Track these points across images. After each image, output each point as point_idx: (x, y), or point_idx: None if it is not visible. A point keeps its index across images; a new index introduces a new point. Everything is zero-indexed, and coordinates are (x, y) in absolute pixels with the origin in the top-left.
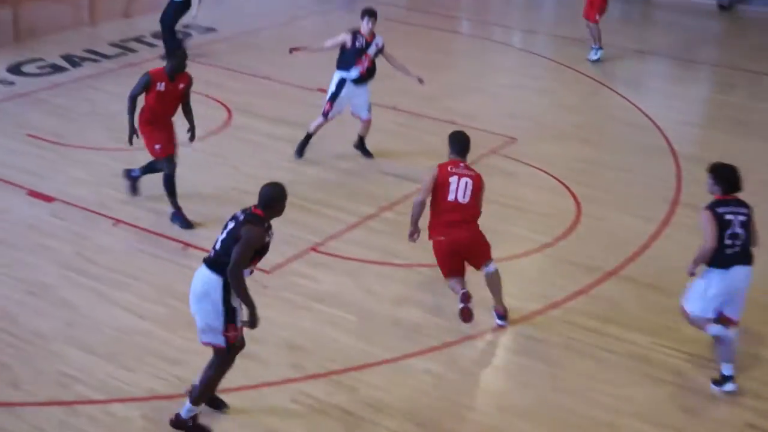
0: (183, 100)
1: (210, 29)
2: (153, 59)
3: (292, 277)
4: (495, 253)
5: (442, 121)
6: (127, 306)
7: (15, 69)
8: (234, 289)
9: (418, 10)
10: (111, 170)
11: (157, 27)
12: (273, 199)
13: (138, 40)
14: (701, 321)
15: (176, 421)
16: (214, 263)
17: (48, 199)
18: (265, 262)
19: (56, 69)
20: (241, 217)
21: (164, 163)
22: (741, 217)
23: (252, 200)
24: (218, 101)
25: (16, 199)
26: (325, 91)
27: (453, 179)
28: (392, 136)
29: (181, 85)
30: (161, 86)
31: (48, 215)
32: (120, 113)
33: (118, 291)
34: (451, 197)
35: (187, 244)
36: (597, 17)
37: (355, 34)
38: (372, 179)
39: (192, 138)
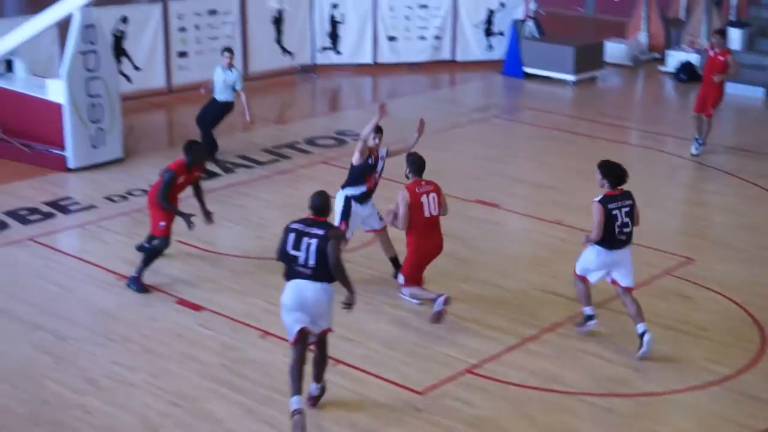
0: (195, 184)
1: None
2: (307, 165)
3: (445, 401)
4: (669, 383)
5: None
6: (273, 423)
7: None
8: (344, 277)
9: (584, 119)
10: (259, 280)
11: (309, 133)
12: (327, 204)
13: (291, 146)
14: (580, 283)
15: None
16: (319, 276)
17: (196, 307)
18: (418, 382)
19: (209, 175)
20: (321, 232)
21: (161, 240)
22: (625, 209)
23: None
24: None
25: (164, 307)
26: (483, 202)
27: (423, 198)
28: (556, 253)
29: (196, 173)
30: (181, 179)
31: (195, 324)
32: (273, 221)
33: (264, 406)
34: (427, 214)
35: (338, 361)
36: (712, 111)
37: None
38: (533, 297)
39: (209, 219)
